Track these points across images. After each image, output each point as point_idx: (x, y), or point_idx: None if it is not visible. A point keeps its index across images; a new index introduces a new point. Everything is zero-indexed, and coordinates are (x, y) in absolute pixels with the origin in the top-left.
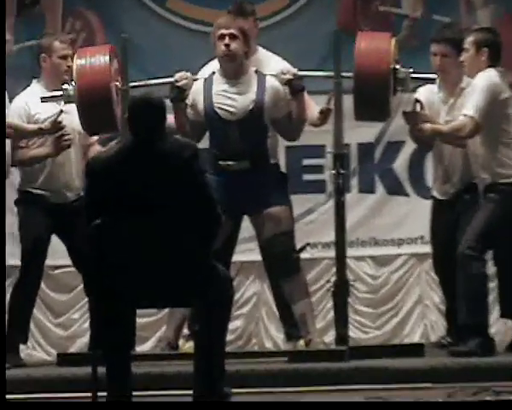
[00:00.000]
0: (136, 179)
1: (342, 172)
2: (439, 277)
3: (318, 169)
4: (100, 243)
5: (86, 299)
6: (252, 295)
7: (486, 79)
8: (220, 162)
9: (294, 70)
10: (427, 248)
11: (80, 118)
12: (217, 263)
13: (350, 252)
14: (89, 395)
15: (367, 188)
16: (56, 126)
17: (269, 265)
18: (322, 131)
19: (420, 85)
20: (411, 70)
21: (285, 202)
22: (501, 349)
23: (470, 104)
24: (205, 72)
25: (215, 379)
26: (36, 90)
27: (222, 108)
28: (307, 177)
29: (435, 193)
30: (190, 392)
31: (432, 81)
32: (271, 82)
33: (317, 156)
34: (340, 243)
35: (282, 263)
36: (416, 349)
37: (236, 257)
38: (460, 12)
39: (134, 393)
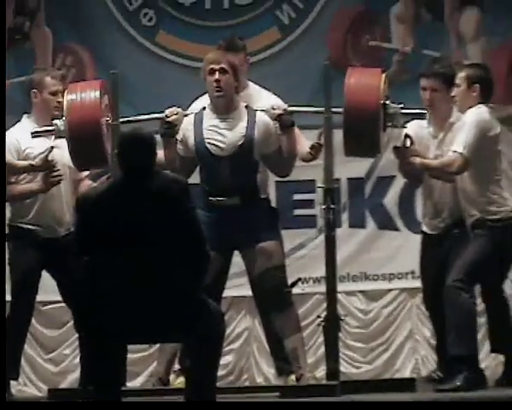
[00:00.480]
0: (126, 215)
1: (333, 206)
2: (428, 312)
3: (309, 204)
4: (89, 279)
5: (77, 335)
6: (243, 331)
7: (477, 115)
8: (210, 198)
9: (285, 105)
10: (418, 283)
11: (70, 153)
12: (207, 298)
13: (340, 287)
14: None
15: (357, 223)
16: (47, 164)
17: (260, 299)
18: (312, 165)
19: (410, 120)
20: (401, 106)
21: (276, 237)
22: (492, 383)
23: (460, 141)
24: (195, 107)
25: None
26: (26, 125)
27: (212, 144)
28: (298, 211)
29: (425, 228)
30: None
31: (422, 117)
32: (261, 117)
33: (307, 191)
34: (331, 278)
35: (274, 298)
36: (407, 384)
37: (227, 292)
38: (450, 46)
39: None
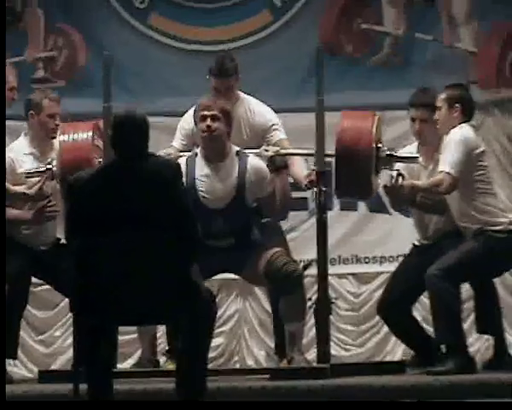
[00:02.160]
0: (118, 197)
1: (324, 189)
2: (388, 321)
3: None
4: (81, 261)
5: (68, 316)
6: (233, 313)
7: (461, 134)
8: (204, 241)
9: (277, 147)
10: None
11: (62, 194)
12: (199, 280)
13: (332, 270)
14: None
15: (349, 206)
16: (41, 195)
17: (271, 280)
18: (304, 148)
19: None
20: (393, 151)
21: (276, 233)
22: (481, 367)
23: (446, 160)
24: (184, 121)
25: (197, 396)
26: (22, 146)
27: (204, 197)
28: None
29: (415, 241)
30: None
31: (414, 160)
32: (253, 162)
33: None
34: (322, 261)
35: (285, 277)
36: (397, 367)
37: (218, 275)
38: (442, 29)
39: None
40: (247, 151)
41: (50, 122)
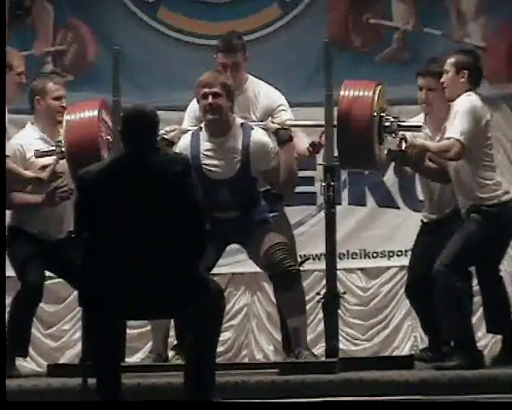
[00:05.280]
0: (127, 191)
1: (333, 184)
2: (409, 299)
3: (309, 181)
4: (90, 255)
5: (77, 310)
6: (242, 307)
7: (469, 102)
8: (210, 213)
9: (283, 118)
10: None
11: (71, 173)
12: (207, 274)
13: (340, 264)
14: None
15: (357, 200)
16: (53, 176)
17: (269, 275)
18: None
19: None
20: (397, 119)
21: (280, 220)
22: (489, 362)
23: (455, 127)
24: (191, 109)
25: (205, 391)
26: (31, 132)
27: (209, 170)
28: (298, 189)
29: (423, 219)
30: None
31: (418, 129)
32: (257, 136)
33: (307, 168)
34: (331, 255)
35: (281, 273)
36: (405, 361)
37: (227, 269)
38: (451, 24)
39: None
40: (252, 124)
41: (56, 105)
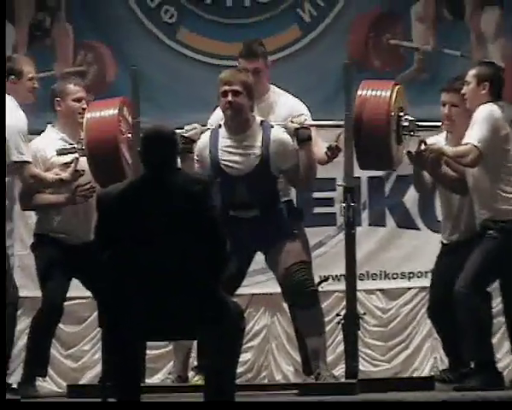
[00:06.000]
0: (147, 212)
1: (353, 205)
2: (431, 320)
3: (329, 202)
4: (110, 275)
5: (96, 331)
6: (262, 328)
7: (489, 112)
8: (230, 212)
9: (304, 116)
10: None
11: (91, 171)
12: (227, 295)
13: (360, 285)
14: None
15: (377, 221)
16: (75, 175)
17: (287, 295)
18: (332, 163)
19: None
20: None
21: (300, 236)
22: (509, 384)
23: (473, 134)
24: (215, 117)
25: None
26: (51, 134)
27: (227, 166)
28: (318, 210)
29: (444, 240)
30: None
31: (437, 128)
32: (277, 134)
33: (327, 189)
34: (351, 276)
35: (300, 294)
36: (426, 383)
37: (247, 290)
38: (471, 45)
39: None
40: (271, 123)
41: (77, 106)
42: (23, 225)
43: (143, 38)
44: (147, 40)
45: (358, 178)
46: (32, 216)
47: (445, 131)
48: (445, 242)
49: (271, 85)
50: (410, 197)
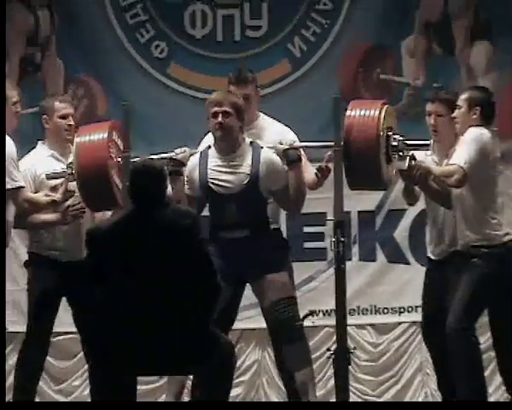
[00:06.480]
0: (136, 248)
1: (343, 239)
2: (425, 341)
3: (319, 236)
4: (99, 310)
5: (87, 366)
6: (252, 363)
7: (477, 134)
8: (220, 232)
9: (292, 139)
10: None
11: (81, 196)
12: (218, 330)
13: (350, 320)
14: None
15: (368, 256)
16: (67, 196)
17: (272, 331)
18: (322, 198)
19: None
20: (404, 138)
21: (286, 269)
22: None
23: (460, 154)
24: (204, 144)
25: None
26: (41, 150)
27: (217, 184)
28: (308, 244)
29: (430, 254)
30: None
31: (426, 147)
32: (267, 154)
33: (317, 224)
34: (341, 311)
35: (286, 329)
36: None
37: (237, 324)
38: (461, 80)
39: None
40: (261, 143)
41: (63, 123)
42: (15, 261)
43: (134, 73)
44: (138, 75)
45: (348, 212)
46: (24, 253)
47: (432, 141)
48: (432, 257)
49: (260, 113)
50: (401, 232)
